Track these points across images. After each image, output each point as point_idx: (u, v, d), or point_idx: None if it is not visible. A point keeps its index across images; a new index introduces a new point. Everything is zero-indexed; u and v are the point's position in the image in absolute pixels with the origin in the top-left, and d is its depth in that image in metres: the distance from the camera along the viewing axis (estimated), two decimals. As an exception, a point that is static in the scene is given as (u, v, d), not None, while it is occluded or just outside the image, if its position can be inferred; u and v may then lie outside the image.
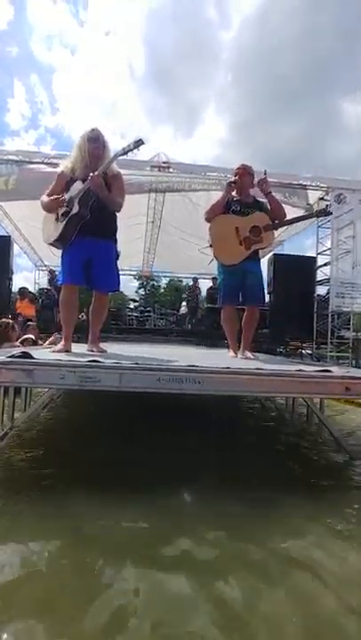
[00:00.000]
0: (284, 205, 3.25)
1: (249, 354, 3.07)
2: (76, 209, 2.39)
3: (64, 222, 2.42)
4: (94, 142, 2.45)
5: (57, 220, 2.47)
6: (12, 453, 2.09)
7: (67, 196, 2.42)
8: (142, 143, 2.30)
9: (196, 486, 1.77)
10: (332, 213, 3.63)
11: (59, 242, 2.50)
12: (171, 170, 7.44)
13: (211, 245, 3.11)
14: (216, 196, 3.40)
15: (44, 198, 2.50)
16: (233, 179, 3.08)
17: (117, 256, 2.72)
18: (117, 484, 1.74)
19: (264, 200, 3.18)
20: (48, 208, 2.49)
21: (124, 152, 2.34)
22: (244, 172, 3.11)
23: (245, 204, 3.07)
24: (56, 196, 2.43)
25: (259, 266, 3.19)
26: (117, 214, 2.60)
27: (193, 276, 11.50)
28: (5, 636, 0.86)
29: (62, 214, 2.43)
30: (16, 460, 2.01)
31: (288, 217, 3.18)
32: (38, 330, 5.51)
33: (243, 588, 1.08)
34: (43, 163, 6.91)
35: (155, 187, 7.74)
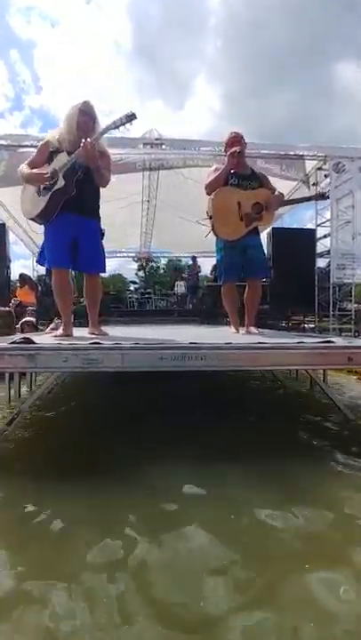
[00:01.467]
0: (280, 179, 3.24)
1: (254, 329, 3.06)
2: (61, 183, 2.28)
3: (47, 197, 2.31)
4: (85, 115, 2.35)
5: (38, 193, 2.35)
6: (20, 437, 2.12)
7: (50, 168, 2.30)
8: (134, 117, 2.20)
9: (200, 455, 1.79)
10: (328, 197, 3.70)
11: (40, 217, 2.39)
12: (164, 146, 7.28)
13: (210, 217, 3.02)
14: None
15: (25, 169, 2.36)
16: (236, 149, 2.92)
17: (102, 235, 2.65)
18: (122, 463, 1.77)
19: (262, 168, 3.11)
20: (28, 180, 2.37)
21: (115, 126, 2.23)
22: (237, 139, 3.01)
23: (243, 176, 2.98)
24: (39, 171, 2.31)
25: (259, 239, 3.14)
26: (107, 195, 2.56)
27: (192, 254, 11.42)
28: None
29: (44, 188, 2.32)
30: (24, 444, 2.04)
31: (284, 191, 3.13)
32: (36, 315, 5.49)
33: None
34: (33, 146, 6.76)
35: (148, 165, 7.59)
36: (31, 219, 2.46)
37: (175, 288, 11.66)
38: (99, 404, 3.22)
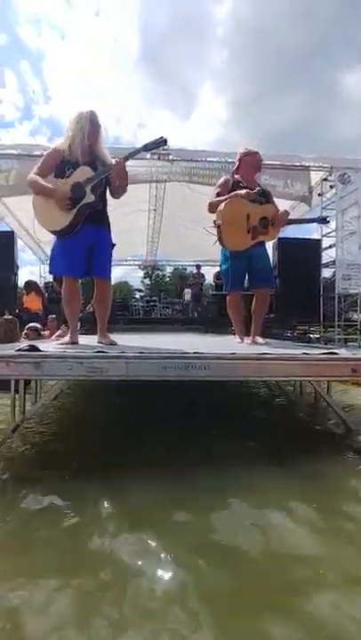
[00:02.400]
0: (284, 200, 3.32)
1: (260, 339, 3.07)
2: (90, 198, 2.33)
3: (75, 210, 2.33)
4: (94, 125, 2.39)
5: (67, 208, 2.35)
6: (25, 445, 2.14)
7: (71, 181, 2.32)
8: (165, 143, 2.28)
9: (204, 462, 1.79)
10: (329, 222, 3.87)
11: (64, 231, 2.39)
12: (171, 157, 7.37)
13: (219, 226, 3.03)
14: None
15: (36, 178, 2.35)
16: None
17: (113, 246, 2.69)
18: (127, 470, 1.77)
19: (266, 184, 3.16)
20: (38, 191, 2.36)
21: (147, 149, 2.33)
22: (258, 164, 3.12)
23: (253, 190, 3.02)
24: (52, 188, 2.31)
25: (265, 249, 3.18)
26: (115, 203, 2.58)
27: (196, 263, 11.46)
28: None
29: (68, 200, 2.31)
30: (28, 451, 2.06)
31: (286, 208, 3.19)
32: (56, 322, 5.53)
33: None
34: (42, 156, 6.88)
35: (155, 177, 7.68)
36: (53, 231, 2.44)
37: (184, 296, 11.61)
38: (103, 412, 3.23)
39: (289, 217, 3.24)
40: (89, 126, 2.36)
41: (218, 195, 3.05)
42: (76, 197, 2.31)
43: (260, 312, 3.15)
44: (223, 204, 2.96)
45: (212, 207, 3.03)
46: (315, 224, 7.53)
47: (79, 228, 2.37)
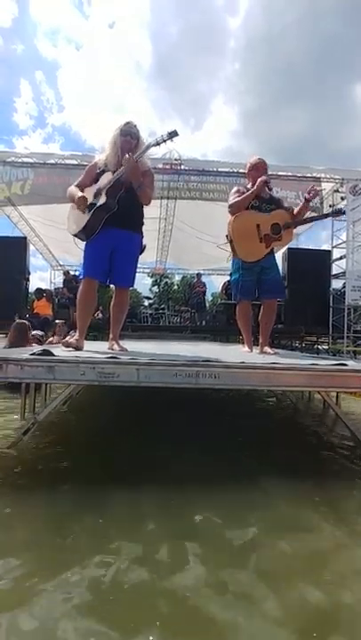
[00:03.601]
0: (296, 205, 3.34)
1: (269, 349, 3.08)
2: (102, 200, 2.35)
3: (90, 213, 2.38)
4: (125, 135, 2.43)
5: (83, 211, 2.42)
6: (36, 447, 2.17)
7: (95, 188, 2.40)
8: (176, 134, 2.26)
9: (209, 474, 1.80)
10: (345, 212, 3.77)
11: (83, 232, 2.44)
12: (183, 167, 7.48)
13: (231, 241, 3.09)
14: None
15: (72, 189, 2.47)
16: (266, 179, 3.02)
17: (142, 249, 2.68)
18: (135, 476, 1.79)
19: (278, 196, 3.19)
20: (71, 200, 2.45)
21: (157, 143, 2.30)
22: (264, 167, 3.12)
23: (264, 199, 3.07)
24: (82, 195, 2.39)
25: (275, 259, 3.20)
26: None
27: (205, 272, 11.48)
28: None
29: (89, 205, 2.39)
30: (40, 454, 2.09)
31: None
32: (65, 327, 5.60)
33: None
34: (58, 164, 7.04)
35: (166, 194, 7.80)
36: (75, 234, 2.51)
37: (208, 301, 11.56)
38: (113, 416, 3.25)
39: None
40: (120, 138, 2.43)
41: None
42: (94, 202, 2.37)
43: (268, 322, 3.17)
44: (233, 219, 3.04)
45: (233, 207, 3.05)
46: (325, 235, 7.54)
47: (100, 230, 2.39)
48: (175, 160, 7.38)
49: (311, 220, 3.90)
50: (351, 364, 2.24)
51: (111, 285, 2.76)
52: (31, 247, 9.19)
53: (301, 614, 0.96)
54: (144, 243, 2.69)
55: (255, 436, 2.70)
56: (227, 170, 7.54)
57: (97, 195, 2.38)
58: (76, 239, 2.56)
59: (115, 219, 2.38)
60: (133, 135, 2.45)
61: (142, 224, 2.61)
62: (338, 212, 4.03)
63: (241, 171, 6.97)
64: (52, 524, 1.38)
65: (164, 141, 2.28)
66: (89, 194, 2.43)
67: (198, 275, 11.39)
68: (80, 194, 2.40)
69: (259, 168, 3.10)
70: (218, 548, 1.25)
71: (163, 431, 2.73)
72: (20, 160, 7.23)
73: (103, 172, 2.44)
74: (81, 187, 2.47)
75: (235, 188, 3.21)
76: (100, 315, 8.34)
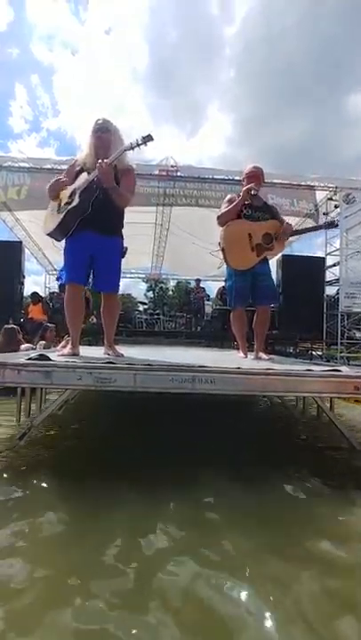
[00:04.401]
0: (290, 216, 3.36)
1: (264, 355, 3.10)
2: (76, 201, 2.32)
3: (63, 213, 2.36)
4: (97, 132, 2.40)
5: (58, 210, 2.42)
6: (32, 451, 2.16)
7: (71, 187, 2.38)
8: (151, 139, 2.24)
9: (208, 479, 1.81)
10: (338, 225, 3.78)
11: (55, 233, 2.43)
12: (179, 173, 7.54)
13: (223, 249, 3.12)
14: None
15: (51, 181, 2.47)
16: (252, 186, 3.02)
17: (124, 253, 2.64)
18: (132, 480, 1.79)
19: (272, 204, 3.22)
20: (50, 189, 2.45)
21: (132, 147, 2.27)
22: (257, 175, 3.12)
23: (256, 207, 3.08)
24: (58, 178, 2.42)
25: (268, 266, 3.22)
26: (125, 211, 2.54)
27: (201, 278, 11.51)
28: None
29: (63, 205, 2.38)
30: (35, 458, 2.08)
31: (292, 223, 3.23)
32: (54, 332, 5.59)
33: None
34: (54, 169, 7.06)
35: (162, 200, 7.84)
36: (49, 234, 2.50)
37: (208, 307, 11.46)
38: (110, 419, 3.25)
39: (294, 228, 3.28)
40: (92, 135, 2.40)
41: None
42: (68, 202, 2.37)
43: (262, 328, 3.19)
44: (225, 227, 3.05)
45: (221, 218, 3.08)
46: (319, 241, 7.64)
47: (77, 234, 2.37)
48: (171, 167, 7.44)
49: (305, 231, 3.96)
50: (345, 369, 2.27)
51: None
52: (26, 251, 9.18)
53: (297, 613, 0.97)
54: (125, 245, 2.64)
55: (252, 438, 2.71)
56: (222, 177, 7.61)
57: (72, 195, 2.37)
58: (54, 240, 2.58)
59: (91, 222, 2.33)
60: (104, 129, 2.40)
61: (122, 226, 2.56)
62: (330, 225, 4.08)
63: (237, 178, 7.05)
64: (49, 528, 1.38)
65: (138, 145, 2.26)
66: (63, 194, 2.43)
67: (198, 280, 11.41)
68: (55, 178, 2.43)
69: (253, 176, 3.11)
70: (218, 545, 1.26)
71: (160, 431, 2.74)
72: (17, 165, 7.25)
73: (82, 170, 2.42)
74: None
75: (227, 197, 3.21)
76: (95, 320, 8.32)
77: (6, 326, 4.58)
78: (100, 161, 2.26)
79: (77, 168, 2.45)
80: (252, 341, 3.31)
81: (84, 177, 2.37)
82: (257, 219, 3.05)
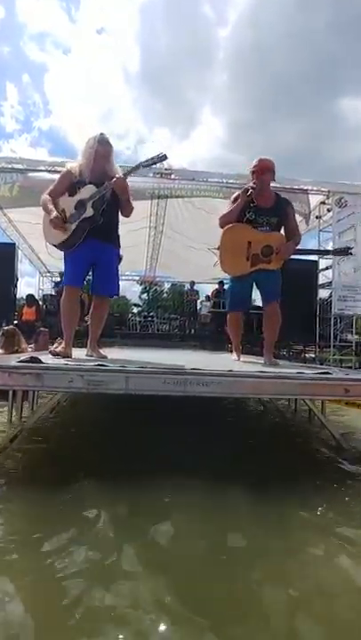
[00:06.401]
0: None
1: (272, 360, 2.96)
2: (89, 212, 2.39)
3: (74, 225, 2.42)
4: (104, 145, 2.48)
5: (65, 220, 2.44)
6: (23, 454, 2.15)
7: (76, 198, 2.43)
8: (165, 158, 2.38)
9: (197, 481, 1.81)
10: (352, 254, 3.32)
11: (64, 245, 2.49)
12: (173, 176, 7.55)
13: (219, 249, 3.03)
14: (219, 203, 3.43)
15: (46, 198, 2.48)
16: (250, 185, 2.85)
17: (120, 259, 2.76)
18: (123, 482, 1.79)
19: (283, 201, 2.97)
20: (45, 211, 2.47)
21: (148, 165, 2.43)
22: (264, 168, 2.85)
23: (262, 210, 2.85)
24: (57, 215, 2.40)
25: (275, 273, 2.99)
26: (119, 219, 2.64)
27: (195, 280, 11.53)
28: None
29: (71, 216, 2.42)
30: (27, 461, 2.07)
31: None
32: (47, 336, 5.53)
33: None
34: (47, 171, 7.04)
35: (157, 193, 7.83)
36: (54, 244, 2.54)
37: (200, 309, 11.42)
38: (101, 423, 3.24)
39: (298, 247, 3.08)
40: (97, 147, 2.46)
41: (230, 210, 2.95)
42: (78, 213, 2.41)
43: (273, 329, 3.08)
44: (226, 230, 2.90)
45: (222, 219, 2.96)
46: (310, 245, 7.69)
47: (82, 241, 2.43)
48: (165, 170, 7.45)
49: (310, 252, 3.77)
50: (336, 372, 2.29)
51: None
52: (19, 253, 9.14)
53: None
54: (121, 253, 2.75)
55: (243, 439, 2.72)
56: (216, 180, 7.62)
57: (79, 206, 2.41)
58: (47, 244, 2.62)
59: (97, 231, 2.43)
60: (107, 142, 2.51)
61: (119, 236, 2.67)
62: (344, 252, 3.64)
63: (231, 181, 7.08)
64: (40, 531, 1.37)
65: (155, 163, 2.42)
66: (66, 204, 2.45)
67: (192, 283, 11.42)
68: (55, 213, 2.40)
69: (263, 167, 2.85)
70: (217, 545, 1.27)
71: (155, 432, 2.73)
72: (10, 166, 7.21)
73: (79, 182, 2.45)
74: (54, 195, 2.48)
75: (234, 195, 3.01)
76: (90, 321, 8.31)
77: (5, 328, 4.54)
78: (117, 175, 2.41)
79: (75, 180, 2.48)
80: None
81: (90, 189, 2.42)
82: (261, 224, 2.85)
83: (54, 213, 2.40)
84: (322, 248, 3.51)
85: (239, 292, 3.11)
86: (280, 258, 2.88)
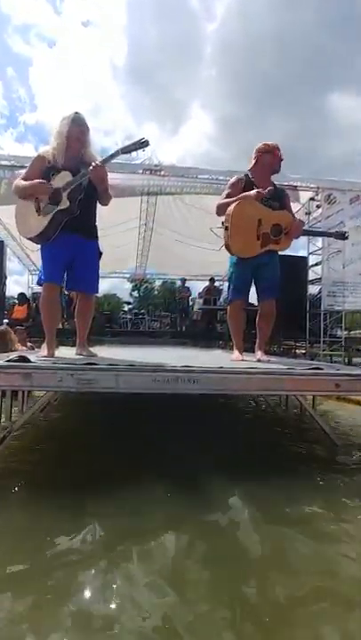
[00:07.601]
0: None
1: (264, 356, 2.83)
2: (65, 203, 2.22)
3: (49, 216, 2.23)
4: (79, 125, 2.28)
5: (38, 211, 2.26)
6: (11, 457, 2.12)
7: (52, 187, 2.23)
8: (147, 144, 2.17)
9: (194, 476, 1.81)
10: (348, 238, 3.44)
11: (40, 238, 2.31)
12: (163, 173, 7.51)
13: (226, 228, 2.71)
14: (210, 200, 3.37)
15: (20, 182, 2.27)
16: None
17: (100, 255, 2.62)
18: (115, 483, 1.78)
19: (281, 189, 2.90)
20: (25, 192, 2.27)
21: (128, 151, 2.20)
22: (278, 154, 2.77)
23: (267, 196, 2.71)
24: (41, 180, 2.20)
25: (276, 255, 2.85)
26: (105, 217, 2.52)
27: (187, 277, 11.51)
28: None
29: (46, 206, 2.25)
30: (15, 464, 2.04)
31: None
32: (26, 334, 5.41)
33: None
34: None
35: (147, 190, 7.79)
36: (29, 238, 2.38)
37: (193, 306, 11.21)
38: (91, 422, 3.22)
39: (303, 227, 2.95)
40: (72, 127, 2.26)
41: (228, 196, 2.77)
42: (52, 203, 2.23)
43: (266, 325, 2.92)
44: (233, 205, 2.67)
45: (221, 209, 2.76)
46: (300, 242, 7.73)
47: (58, 236, 2.28)
48: (155, 166, 7.40)
49: (315, 234, 3.80)
50: (326, 367, 2.31)
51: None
52: (7, 251, 9.01)
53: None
54: (101, 250, 2.63)
55: (235, 435, 2.72)
56: (206, 176, 7.60)
57: (54, 196, 2.23)
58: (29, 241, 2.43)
59: (73, 224, 2.27)
60: (83, 123, 2.31)
61: (97, 229, 2.52)
62: (341, 236, 3.74)
63: (220, 178, 7.05)
64: (29, 533, 1.35)
65: (135, 149, 2.21)
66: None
67: (183, 280, 11.37)
68: (38, 180, 2.21)
69: (272, 164, 2.79)
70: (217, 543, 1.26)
71: (148, 431, 2.72)
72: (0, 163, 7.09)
73: (53, 167, 2.26)
74: (27, 181, 2.28)
75: (233, 179, 2.85)
76: (76, 319, 8.25)
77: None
78: (94, 163, 2.21)
79: (48, 164, 2.28)
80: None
81: (65, 177, 2.24)
82: (268, 206, 2.72)
83: (37, 180, 2.21)
84: (317, 231, 3.71)
85: (241, 278, 2.86)
86: (290, 238, 2.79)
